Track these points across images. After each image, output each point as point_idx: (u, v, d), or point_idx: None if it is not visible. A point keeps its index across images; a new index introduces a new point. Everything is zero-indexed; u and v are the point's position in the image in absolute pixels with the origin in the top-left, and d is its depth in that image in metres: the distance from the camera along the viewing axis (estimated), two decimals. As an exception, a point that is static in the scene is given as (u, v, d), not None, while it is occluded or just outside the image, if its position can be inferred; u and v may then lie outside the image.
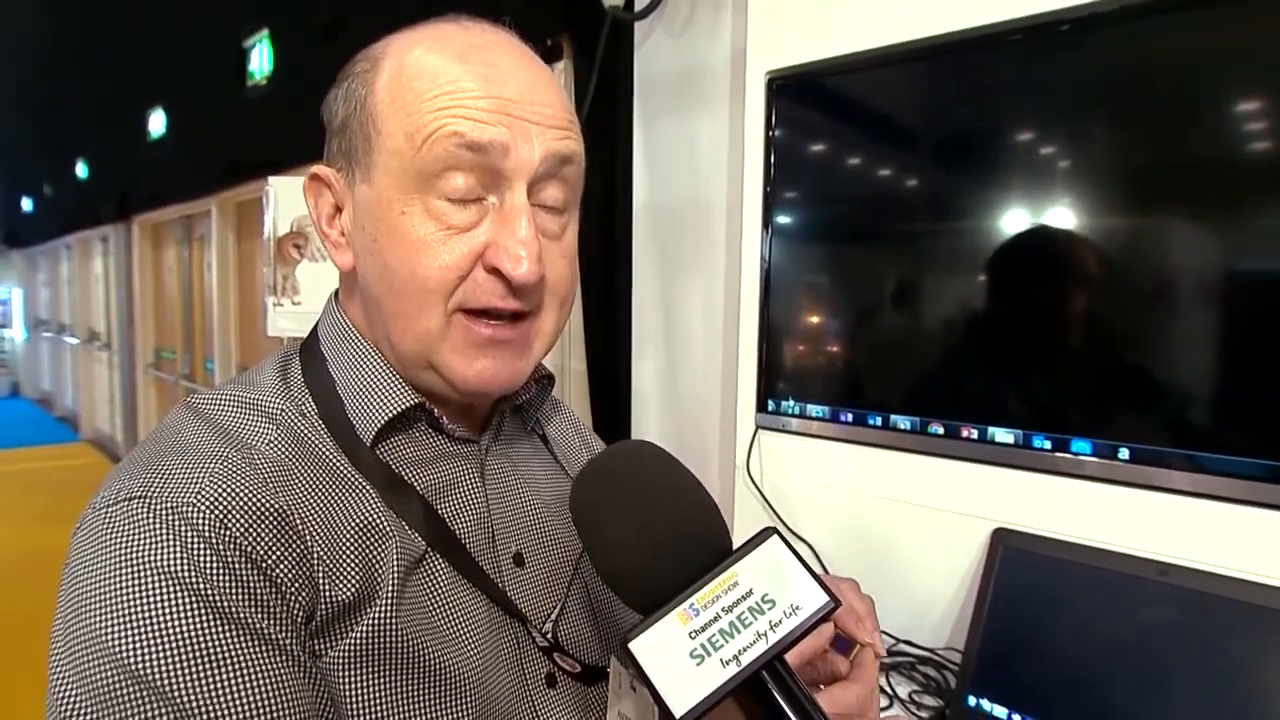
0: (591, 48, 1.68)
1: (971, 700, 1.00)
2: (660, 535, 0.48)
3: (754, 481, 1.38)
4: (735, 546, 0.48)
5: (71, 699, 0.46)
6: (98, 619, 0.46)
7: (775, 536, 0.48)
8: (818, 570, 1.26)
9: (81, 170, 6.44)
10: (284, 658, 0.48)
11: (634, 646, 0.43)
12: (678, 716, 0.41)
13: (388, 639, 0.52)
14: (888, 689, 1.07)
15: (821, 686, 0.58)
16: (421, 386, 0.60)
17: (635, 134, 1.68)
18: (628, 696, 0.61)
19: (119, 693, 0.45)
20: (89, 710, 0.45)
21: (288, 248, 1.88)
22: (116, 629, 0.45)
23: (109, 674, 0.45)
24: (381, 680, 0.52)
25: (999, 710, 0.98)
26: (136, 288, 5.80)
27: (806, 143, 1.31)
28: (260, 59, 3.53)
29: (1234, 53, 0.91)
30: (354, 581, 0.52)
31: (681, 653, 0.43)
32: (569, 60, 1.82)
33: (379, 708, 0.52)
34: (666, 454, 0.53)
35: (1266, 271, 0.90)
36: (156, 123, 4.84)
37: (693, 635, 0.44)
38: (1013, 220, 1.08)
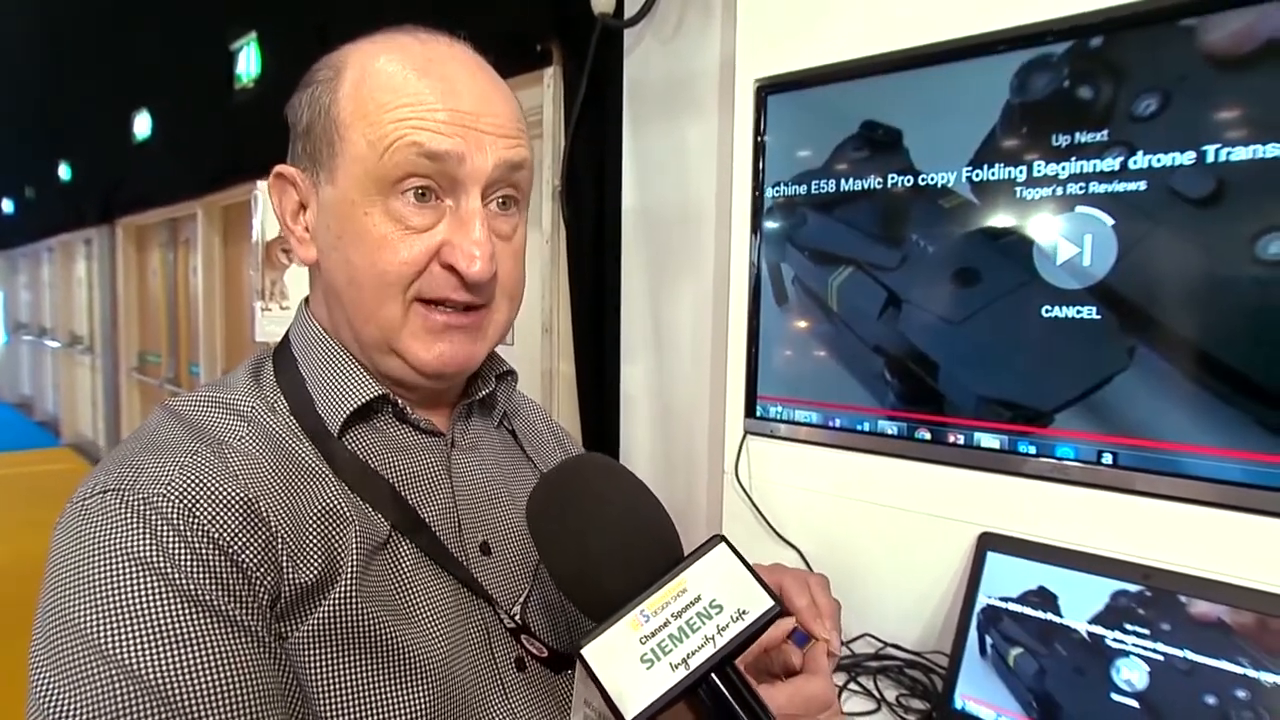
0: (581, 54, 1.68)
1: (958, 703, 1.01)
2: (612, 545, 0.50)
3: (742, 487, 1.39)
4: (686, 554, 0.50)
5: (47, 680, 0.48)
6: (70, 604, 0.49)
7: (723, 544, 0.50)
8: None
9: (65, 172, 6.37)
10: (248, 638, 0.51)
11: (586, 652, 0.45)
12: (628, 719, 0.43)
13: (348, 620, 0.54)
14: (875, 692, 1.08)
15: (781, 678, 0.59)
16: (387, 374, 0.64)
17: (625, 139, 1.69)
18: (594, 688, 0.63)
19: (91, 673, 0.47)
20: (63, 691, 0.47)
21: (276, 252, 1.87)
22: (88, 613, 0.48)
23: (81, 655, 0.47)
24: (343, 660, 0.54)
25: (986, 713, 0.99)
26: (120, 291, 5.75)
27: (795, 149, 1.32)
28: (248, 62, 3.52)
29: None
30: (316, 564, 0.54)
31: (632, 657, 0.45)
32: (558, 66, 1.82)
33: (341, 687, 0.54)
34: (620, 466, 0.56)
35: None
36: (142, 125, 4.80)
37: (643, 640, 0.45)
38: (1002, 227, 1.10)
